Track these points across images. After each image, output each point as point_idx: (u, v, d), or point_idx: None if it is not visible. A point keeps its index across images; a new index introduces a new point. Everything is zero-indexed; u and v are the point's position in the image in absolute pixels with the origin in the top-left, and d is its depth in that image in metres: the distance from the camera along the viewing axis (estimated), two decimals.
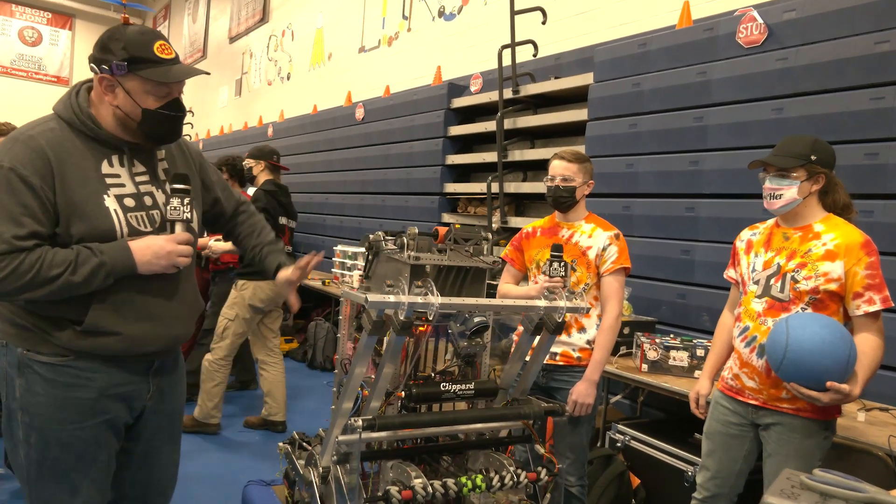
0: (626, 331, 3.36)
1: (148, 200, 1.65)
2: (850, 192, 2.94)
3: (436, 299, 1.54)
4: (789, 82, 3.20)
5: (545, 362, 2.47)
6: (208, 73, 1.80)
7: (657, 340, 3.07)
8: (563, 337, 2.46)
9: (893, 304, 1.92)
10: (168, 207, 1.64)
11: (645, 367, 3.05)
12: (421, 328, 1.87)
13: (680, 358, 3.00)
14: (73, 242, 1.53)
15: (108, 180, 1.59)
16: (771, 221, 2.16)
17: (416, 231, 1.81)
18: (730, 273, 2.24)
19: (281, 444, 2.06)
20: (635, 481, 2.92)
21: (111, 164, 1.61)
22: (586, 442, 2.50)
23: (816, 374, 1.78)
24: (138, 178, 1.65)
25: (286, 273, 1.85)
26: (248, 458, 3.56)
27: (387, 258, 1.93)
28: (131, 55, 1.53)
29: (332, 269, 6.19)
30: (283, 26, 10.17)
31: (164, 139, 1.69)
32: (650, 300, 3.71)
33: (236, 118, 11.30)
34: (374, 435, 1.67)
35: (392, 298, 1.53)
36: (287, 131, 8.62)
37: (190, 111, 10.73)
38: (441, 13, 6.66)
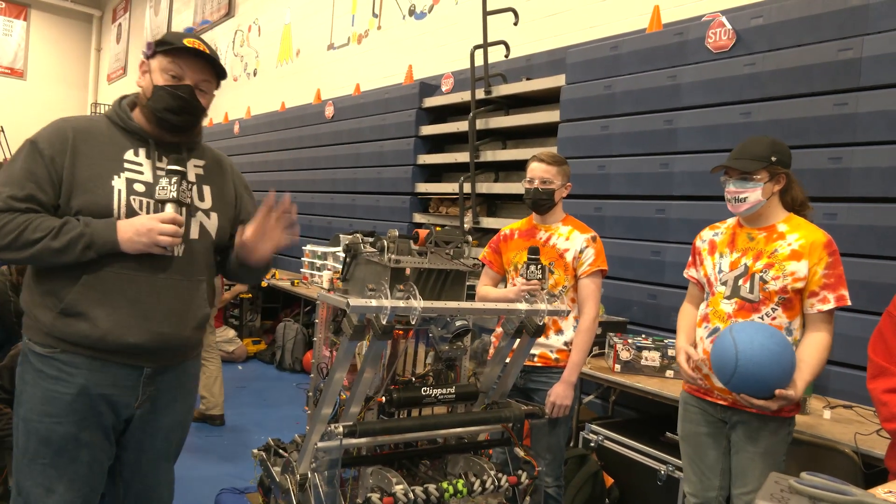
0: (599, 331, 3.37)
1: None
2: (815, 195, 3.02)
3: (418, 303, 1.52)
4: (757, 87, 3.27)
5: (523, 364, 2.47)
6: (215, 57, 1.70)
7: (629, 341, 3.10)
8: (541, 339, 2.45)
9: (849, 303, 1.97)
10: (157, 187, 1.62)
11: (618, 367, 3.09)
12: (401, 332, 1.85)
13: (652, 358, 3.04)
14: (71, 214, 1.57)
15: (127, 165, 1.64)
16: (732, 221, 2.18)
17: (397, 234, 1.79)
18: (691, 273, 2.25)
19: (255, 450, 2.01)
20: (609, 481, 2.95)
21: (136, 154, 1.67)
22: (563, 443, 2.52)
23: (767, 385, 1.84)
24: (160, 172, 1.67)
25: (245, 231, 1.74)
26: (220, 465, 3.49)
27: (365, 261, 1.91)
28: (162, 40, 1.66)
29: (301, 270, 6.11)
30: (250, 21, 10.00)
31: (170, 122, 1.66)
32: (621, 301, 3.76)
33: None
34: (355, 441, 1.64)
35: (374, 303, 1.50)
36: (255, 128, 8.48)
37: None
38: (412, 12, 6.62)
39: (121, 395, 1.66)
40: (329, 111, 6.82)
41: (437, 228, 1.79)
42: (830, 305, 1.95)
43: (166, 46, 1.64)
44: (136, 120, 1.69)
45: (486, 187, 4.83)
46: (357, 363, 1.78)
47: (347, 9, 7.65)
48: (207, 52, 1.66)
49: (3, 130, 13.40)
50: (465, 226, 4.81)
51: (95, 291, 1.59)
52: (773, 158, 2.01)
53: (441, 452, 1.89)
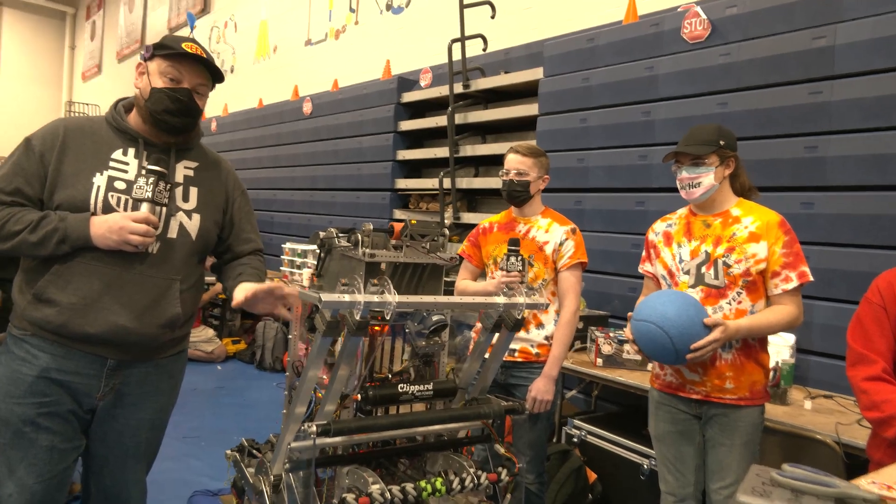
0: (581, 325, 3.38)
1: None
2: (791, 184, 3.06)
3: (393, 298, 1.48)
4: (733, 77, 3.27)
5: (504, 359, 2.43)
6: (212, 61, 1.72)
7: (611, 335, 3.09)
8: (522, 333, 2.43)
9: (811, 279, 1.97)
10: (135, 186, 1.64)
11: (600, 361, 3.07)
12: (377, 328, 1.81)
13: (633, 351, 3.03)
14: (52, 208, 1.62)
15: (113, 164, 1.67)
16: (683, 211, 2.17)
17: (371, 227, 1.74)
18: (646, 267, 2.23)
19: (229, 451, 1.96)
20: (592, 476, 2.94)
21: (125, 154, 1.70)
22: (545, 439, 2.49)
23: (698, 331, 1.84)
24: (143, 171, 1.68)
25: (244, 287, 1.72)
26: (196, 466, 3.41)
27: (340, 256, 1.86)
28: (160, 44, 1.70)
29: (281, 268, 6.03)
30: (226, 17, 9.86)
31: (168, 123, 1.68)
32: (602, 294, 3.74)
33: None
34: (330, 440, 1.60)
35: (347, 298, 1.46)
36: (232, 126, 8.37)
37: None
38: (389, 6, 6.56)
39: (82, 384, 1.66)
40: (307, 107, 6.74)
41: (413, 221, 1.75)
42: (794, 283, 1.94)
43: (166, 51, 1.67)
44: (131, 121, 1.73)
45: (465, 182, 4.79)
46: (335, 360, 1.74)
47: (325, 4, 7.56)
48: (205, 56, 1.70)
49: None
50: (446, 221, 4.77)
51: (63, 280, 1.62)
52: (721, 142, 2.01)
53: (419, 450, 1.85)
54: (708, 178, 2.00)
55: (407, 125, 5.47)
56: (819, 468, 1.07)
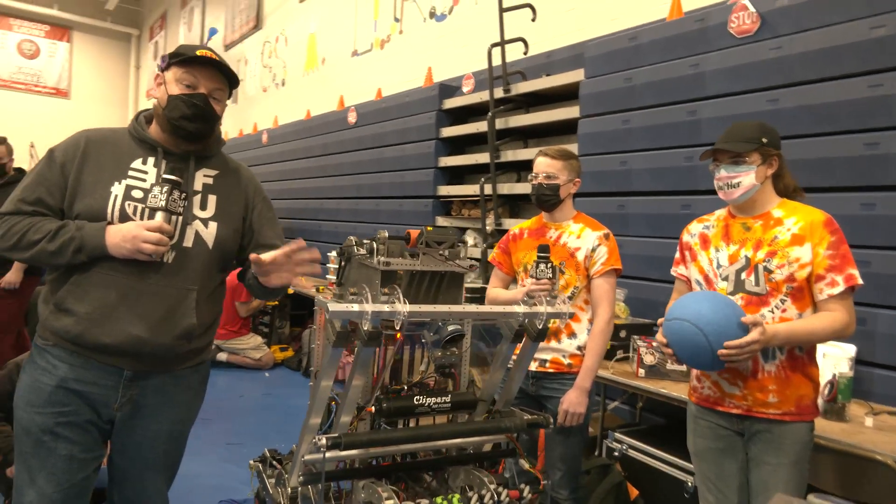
0: (623, 334, 3.25)
1: None
2: (849, 184, 2.85)
3: (403, 307, 1.44)
4: (783, 72, 3.09)
5: (534, 370, 2.36)
6: (215, 58, 1.71)
7: (654, 344, 2.95)
8: (553, 343, 2.35)
9: (860, 283, 1.80)
10: (149, 195, 1.66)
11: (642, 371, 2.93)
12: (398, 336, 1.77)
13: (666, 356, 2.88)
14: (72, 218, 1.65)
15: (132, 173, 1.70)
16: (722, 212, 2.04)
17: (387, 235, 1.71)
18: (679, 270, 2.10)
19: (252, 461, 1.95)
20: (633, 492, 2.80)
21: (144, 163, 1.72)
22: (579, 453, 2.39)
23: (736, 332, 1.71)
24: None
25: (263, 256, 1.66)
26: (232, 473, 3.44)
27: (358, 264, 1.83)
28: (175, 52, 1.72)
29: (328, 276, 6.08)
30: (277, 32, 10.10)
31: (185, 129, 1.70)
32: (646, 301, 3.59)
33: (233, 126, 11.24)
34: (344, 453, 1.56)
35: (356, 307, 1.42)
36: (282, 137, 8.54)
37: None
38: (432, 14, 6.57)
39: (100, 395, 1.67)
40: (352, 117, 6.81)
41: (429, 228, 1.70)
42: (840, 288, 1.78)
43: (180, 57, 1.69)
44: (151, 131, 1.76)
45: (507, 188, 4.71)
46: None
47: (370, 15, 7.65)
48: (220, 61, 1.72)
49: (33, 146, 13.79)
50: (487, 228, 4.70)
51: (81, 290, 1.64)
52: (764, 140, 1.87)
53: (440, 464, 1.79)
54: (748, 177, 1.87)
55: (448, 132, 5.44)
56: (879, 491, 0.96)
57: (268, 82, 10.33)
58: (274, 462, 1.86)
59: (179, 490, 3.06)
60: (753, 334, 1.69)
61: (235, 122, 11.13)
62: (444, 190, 5.41)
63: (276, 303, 6.36)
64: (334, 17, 8.38)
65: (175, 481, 2.93)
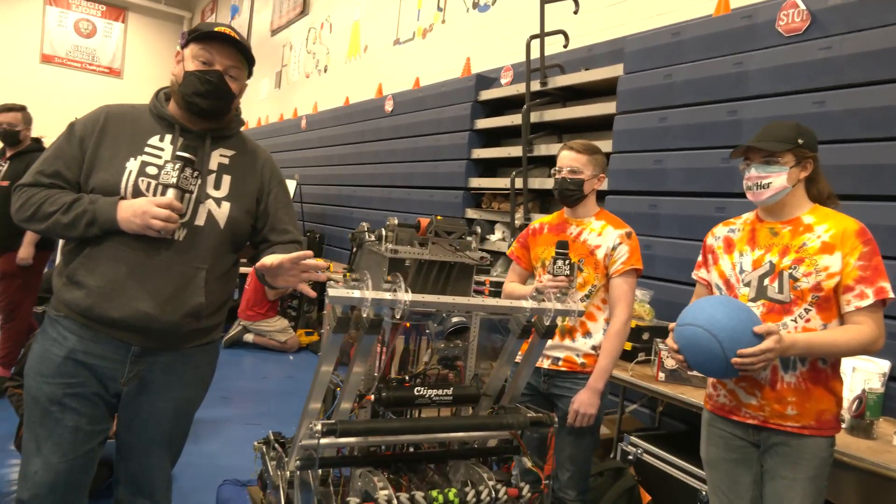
0: (646, 336, 3.17)
1: None
2: None
3: (404, 296, 1.41)
4: (832, 73, 2.95)
5: (547, 367, 2.31)
6: (245, 43, 1.73)
7: (664, 350, 2.86)
8: (567, 341, 2.30)
9: (892, 296, 1.70)
10: (162, 171, 1.66)
11: (662, 375, 2.86)
12: (406, 325, 1.75)
13: (676, 363, 2.78)
14: (88, 192, 1.66)
15: (148, 149, 1.70)
16: (749, 215, 1.95)
17: (396, 222, 1.68)
18: (700, 273, 2.03)
19: (256, 443, 1.96)
20: (646, 497, 2.73)
21: (161, 140, 1.72)
22: (589, 454, 2.33)
23: (751, 339, 1.63)
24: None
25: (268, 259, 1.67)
26: (248, 453, 3.48)
27: (368, 251, 1.82)
28: (193, 29, 1.72)
29: None
30: (322, 19, 10.16)
31: (198, 106, 1.69)
32: (674, 304, 3.48)
33: (274, 110, 11.38)
34: (341, 440, 1.55)
35: (357, 294, 1.40)
36: (319, 123, 8.61)
37: None
38: (475, 4, 6.50)
39: (108, 368, 1.68)
40: (389, 105, 6.81)
41: (438, 217, 1.67)
42: (869, 301, 1.69)
43: (197, 34, 1.70)
44: (170, 109, 1.76)
45: (538, 182, 4.64)
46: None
47: (414, 3, 7.62)
48: (237, 38, 1.70)
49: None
50: (516, 222, 4.64)
51: (93, 262, 1.67)
52: (800, 141, 1.78)
53: (439, 458, 1.76)
54: (780, 178, 1.79)
55: (483, 123, 5.38)
56: None
57: (311, 68, 10.41)
58: (277, 445, 1.86)
59: (190, 467, 3.13)
60: (768, 342, 1.61)
61: (277, 106, 11.27)
62: (476, 182, 5.36)
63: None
64: (379, 4, 8.38)
65: (187, 459, 2.97)
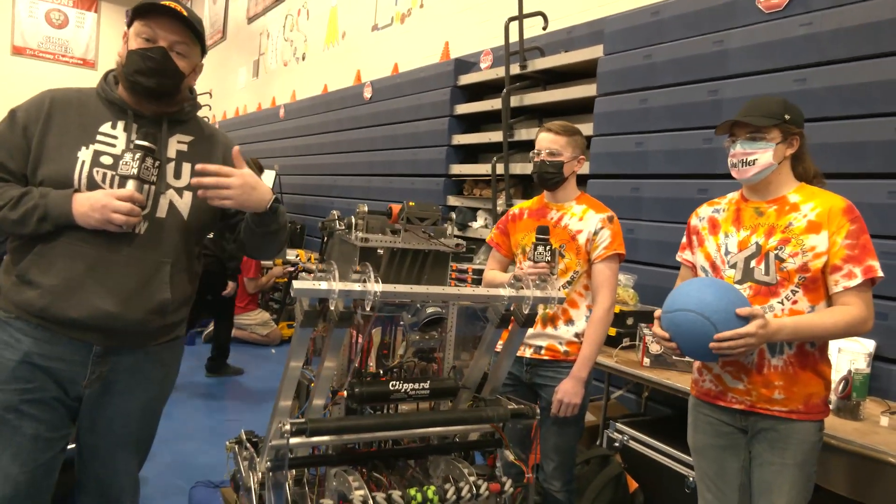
0: (630, 321, 3.12)
1: None
2: (882, 170, 2.67)
3: (374, 286, 1.34)
4: (814, 49, 2.90)
5: (529, 356, 2.26)
6: (191, 17, 1.61)
7: (650, 337, 2.82)
8: (550, 329, 2.24)
9: (880, 275, 1.66)
10: (120, 162, 1.55)
11: (647, 361, 2.81)
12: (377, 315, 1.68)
13: (669, 350, 2.74)
14: (36, 184, 1.55)
15: (100, 137, 1.59)
16: (734, 195, 1.90)
17: (366, 209, 1.60)
18: (685, 255, 1.98)
19: (228, 442, 1.89)
20: (633, 485, 2.70)
21: (114, 127, 1.61)
22: (574, 444, 2.29)
23: (733, 320, 1.59)
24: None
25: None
26: (218, 453, 3.40)
27: (339, 240, 1.74)
28: (136, 6, 1.59)
29: None
30: (299, 5, 9.97)
31: (142, 85, 1.58)
32: (659, 288, 3.45)
33: (252, 100, 11.19)
34: (314, 440, 1.48)
35: (324, 286, 1.33)
36: (297, 112, 8.46)
37: (209, 93, 10.66)
38: None
39: (67, 371, 1.58)
40: (367, 93, 6.69)
41: (410, 203, 1.59)
42: (857, 280, 1.64)
43: (140, 10, 1.57)
44: (121, 92, 1.64)
45: (520, 167, 4.57)
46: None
47: None
48: (184, 12, 1.58)
49: None
50: (498, 208, 4.58)
51: (46, 260, 1.56)
52: (787, 116, 1.72)
53: (417, 454, 1.70)
54: (765, 155, 1.73)
55: (462, 108, 5.30)
56: (893, 496, 0.85)
57: (288, 56, 10.22)
58: (249, 444, 1.79)
59: (163, 469, 3.04)
60: (750, 327, 1.57)
61: (256, 96, 11.08)
62: (457, 168, 5.29)
63: (286, 279, 6.32)
64: None
65: (160, 459, 2.88)
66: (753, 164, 1.73)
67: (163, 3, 1.54)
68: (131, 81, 1.58)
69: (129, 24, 1.61)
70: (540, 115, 4.72)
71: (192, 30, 1.60)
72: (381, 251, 1.62)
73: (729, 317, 1.59)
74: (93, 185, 1.56)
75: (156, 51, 1.56)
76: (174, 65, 1.58)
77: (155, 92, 1.60)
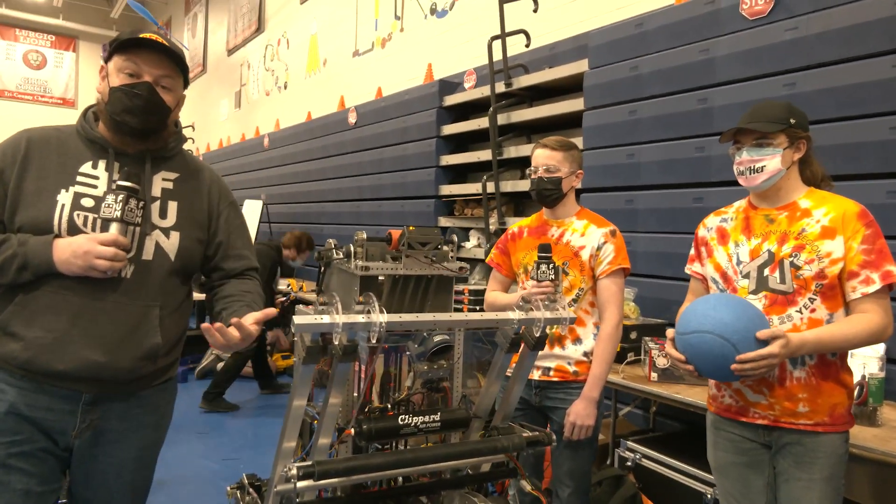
0: (634, 336, 3.07)
1: None
2: (876, 170, 2.65)
3: (379, 317, 1.27)
4: (801, 54, 2.90)
5: (538, 378, 2.18)
6: (169, 42, 1.54)
7: (666, 359, 2.76)
8: (557, 350, 2.17)
9: None
10: (103, 204, 1.48)
11: (654, 375, 2.75)
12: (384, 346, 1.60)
13: (686, 372, 2.68)
14: (14, 231, 1.48)
15: (80, 178, 1.52)
16: (741, 203, 1.85)
17: (365, 236, 1.54)
18: (694, 267, 1.92)
19: (229, 488, 1.79)
20: None
21: (94, 167, 1.54)
22: (588, 467, 2.21)
23: (754, 339, 1.53)
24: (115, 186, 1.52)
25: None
26: (220, 496, 3.30)
27: (337, 269, 1.67)
28: (117, 39, 1.52)
29: None
30: (279, 35, 9.99)
31: (129, 125, 1.51)
32: (659, 301, 3.40)
33: (235, 131, 11.15)
34: (322, 483, 1.40)
35: (326, 319, 1.26)
36: (282, 140, 8.42)
37: (191, 126, 10.61)
38: (433, 10, 6.40)
39: (56, 421, 1.50)
40: (352, 118, 6.66)
41: (410, 228, 1.53)
42: (876, 286, 1.59)
43: (119, 42, 1.51)
44: (101, 130, 1.57)
45: (510, 185, 4.53)
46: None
47: (371, 13, 7.50)
48: (166, 44, 1.51)
49: None
50: (490, 227, 4.53)
51: (28, 311, 1.47)
52: (792, 121, 1.68)
53: (430, 489, 1.62)
54: (773, 161, 1.68)
55: (449, 129, 5.27)
56: None
57: (270, 86, 10.21)
58: (251, 489, 1.70)
59: None
60: (772, 347, 1.51)
61: (239, 126, 11.03)
62: (447, 189, 5.24)
63: (278, 310, 6.20)
64: (335, 17, 8.24)
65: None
66: (761, 171, 1.69)
67: (144, 35, 1.48)
68: (117, 121, 1.51)
69: (108, 59, 1.53)
70: (528, 131, 4.70)
71: (176, 62, 1.54)
72: (381, 279, 1.55)
73: (749, 336, 1.53)
74: (74, 230, 1.48)
75: (142, 86, 1.49)
76: (161, 100, 1.52)
77: (143, 131, 1.53)
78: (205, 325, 1.41)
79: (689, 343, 1.61)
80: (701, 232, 1.90)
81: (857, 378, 2.26)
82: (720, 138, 1.80)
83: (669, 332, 1.70)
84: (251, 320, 1.46)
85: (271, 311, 1.49)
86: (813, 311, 1.63)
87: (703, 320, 1.57)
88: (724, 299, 1.62)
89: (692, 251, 1.93)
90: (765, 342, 1.51)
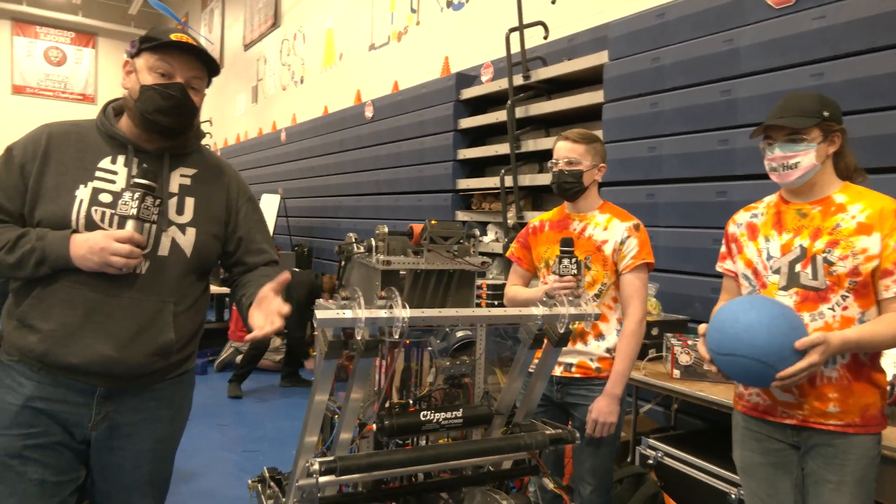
0: (655, 332, 3.02)
1: None
2: None
3: (401, 312, 1.25)
4: (829, 43, 2.83)
5: (559, 375, 2.16)
6: (192, 42, 1.53)
7: (690, 342, 2.72)
8: (579, 345, 2.14)
9: None
10: (120, 201, 1.48)
11: (677, 372, 2.71)
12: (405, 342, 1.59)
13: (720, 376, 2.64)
14: (33, 225, 1.49)
15: (99, 174, 1.52)
16: (772, 198, 1.80)
17: (386, 231, 1.52)
18: (726, 265, 1.86)
19: (250, 481, 1.78)
20: (670, 503, 2.58)
21: (114, 162, 1.54)
22: (610, 465, 2.18)
23: (791, 356, 1.49)
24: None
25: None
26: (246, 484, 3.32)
27: (358, 264, 1.66)
28: (147, 36, 1.53)
29: None
30: (295, 29, 10.00)
31: (160, 124, 1.52)
32: (680, 296, 3.36)
33: (253, 125, 11.19)
34: (344, 478, 1.39)
35: (348, 314, 1.24)
36: (299, 135, 8.44)
37: (209, 121, 10.67)
38: (449, 3, 6.36)
39: (71, 413, 1.52)
40: (369, 112, 6.65)
41: (433, 222, 1.51)
42: None
43: (153, 43, 1.51)
44: (122, 126, 1.58)
45: (528, 179, 4.49)
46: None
47: (386, 7, 7.48)
48: (199, 46, 1.53)
49: None
50: (508, 221, 4.49)
51: (45, 305, 1.49)
52: (825, 113, 1.62)
53: (451, 486, 1.60)
54: (808, 157, 1.63)
55: (466, 122, 5.24)
56: None
57: (287, 80, 10.23)
58: (272, 483, 1.69)
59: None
60: (812, 357, 1.47)
61: (256, 121, 11.08)
62: (464, 183, 5.22)
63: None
64: (351, 10, 8.23)
65: (185, 497, 2.79)
66: (796, 167, 1.64)
67: (175, 37, 1.49)
68: (148, 119, 1.51)
69: (135, 54, 1.53)
70: (546, 124, 4.66)
71: (204, 62, 1.55)
72: (403, 273, 1.54)
73: (785, 353, 1.48)
74: (91, 226, 1.49)
75: (175, 87, 1.50)
76: (192, 101, 1.53)
77: (172, 130, 1.54)
78: (248, 335, 1.43)
79: (726, 364, 1.58)
80: (731, 228, 1.86)
81: (889, 377, 2.21)
82: (751, 134, 1.75)
83: (701, 327, 1.66)
84: (268, 289, 1.46)
85: (285, 277, 1.48)
86: (845, 308, 1.59)
87: (736, 344, 1.52)
88: (754, 316, 1.53)
89: (723, 248, 1.89)
90: (803, 352, 1.48)
